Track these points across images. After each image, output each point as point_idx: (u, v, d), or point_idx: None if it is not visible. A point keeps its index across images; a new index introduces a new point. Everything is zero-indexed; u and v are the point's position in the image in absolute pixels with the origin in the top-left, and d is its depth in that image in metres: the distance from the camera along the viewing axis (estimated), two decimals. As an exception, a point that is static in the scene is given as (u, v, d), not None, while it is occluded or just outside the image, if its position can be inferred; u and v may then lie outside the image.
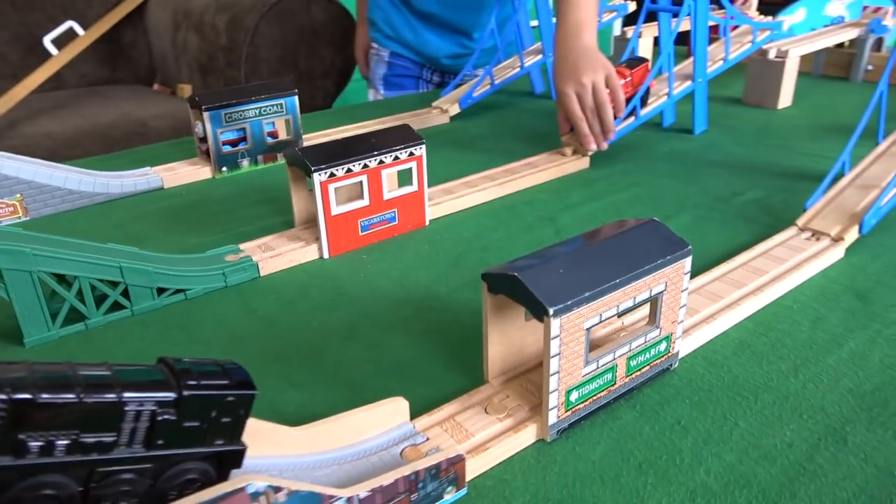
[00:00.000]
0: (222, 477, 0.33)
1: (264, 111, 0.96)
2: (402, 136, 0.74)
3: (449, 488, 0.40)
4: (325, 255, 0.71)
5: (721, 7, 1.14)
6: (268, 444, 0.39)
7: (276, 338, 0.58)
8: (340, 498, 0.35)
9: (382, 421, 0.43)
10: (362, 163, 0.71)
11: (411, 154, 0.74)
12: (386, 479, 0.37)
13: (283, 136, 1.01)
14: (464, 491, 0.41)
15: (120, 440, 0.29)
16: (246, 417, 0.33)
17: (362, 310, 0.62)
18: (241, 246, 0.71)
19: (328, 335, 0.58)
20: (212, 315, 0.61)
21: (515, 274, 0.42)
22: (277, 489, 0.33)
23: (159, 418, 0.30)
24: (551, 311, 0.40)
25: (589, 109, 0.90)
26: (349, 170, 0.70)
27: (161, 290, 0.63)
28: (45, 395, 0.26)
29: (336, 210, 0.70)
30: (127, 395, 0.28)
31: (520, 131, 1.14)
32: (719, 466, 0.42)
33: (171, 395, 0.30)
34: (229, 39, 1.65)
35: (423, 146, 0.75)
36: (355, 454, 0.42)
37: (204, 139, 0.94)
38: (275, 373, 0.53)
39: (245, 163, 0.98)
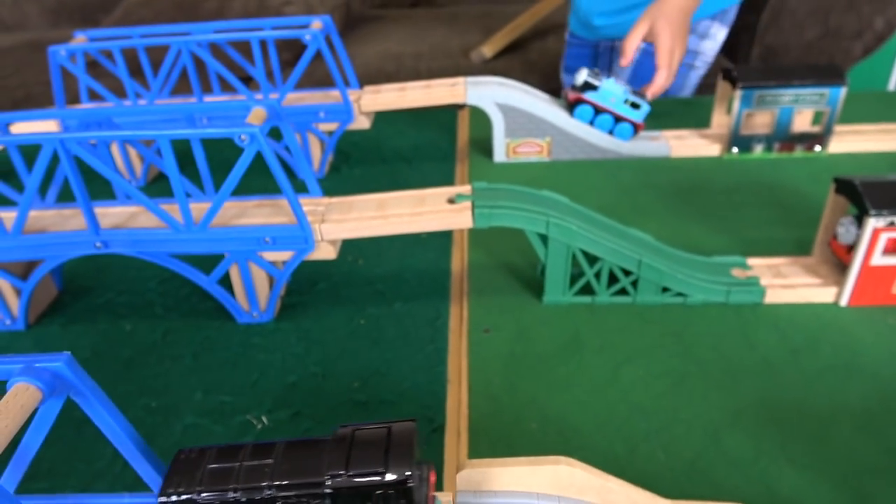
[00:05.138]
0: None
1: (801, 98, 0.86)
2: None
3: None
4: (843, 303, 0.63)
5: None
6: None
7: (775, 390, 0.54)
8: None
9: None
10: (936, 215, 0.58)
11: None
12: None
13: (805, 125, 0.90)
14: None
15: None
16: None
17: (884, 391, 0.53)
18: (750, 262, 0.67)
19: (837, 412, 0.52)
20: (708, 334, 0.60)
21: None
22: None
23: None
24: None
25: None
26: (915, 221, 0.58)
27: (664, 289, 0.63)
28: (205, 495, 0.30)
29: (878, 261, 0.60)
30: (280, 492, 0.29)
31: None
32: None
33: (318, 490, 0.29)
34: (757, -20, 1.51)
35: None
36: None
37: (577, 88, 0.89)
38: (772, 436, 0.50)
39: (759, 148, 0.90)
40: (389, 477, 0.29)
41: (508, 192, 0.63)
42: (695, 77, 1.20)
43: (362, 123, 0.89)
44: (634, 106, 0.89)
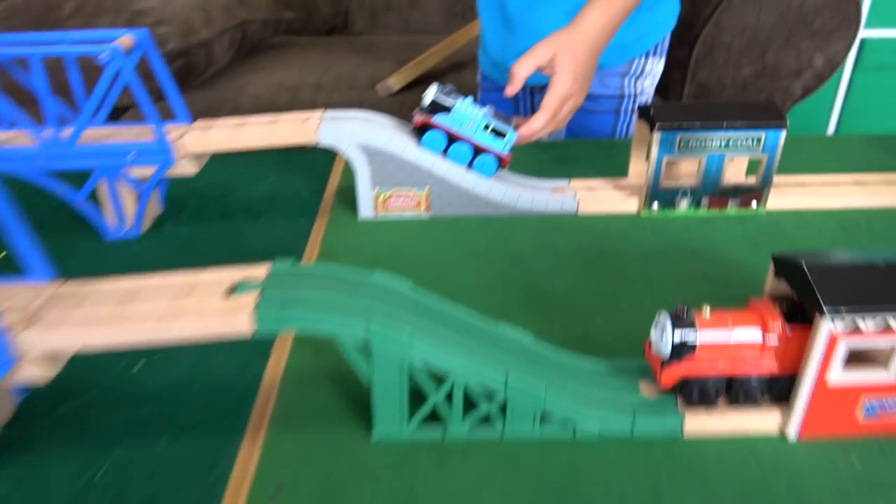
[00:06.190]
0: None
1: (734, 143, 0.70)
2: None
3: None
4: (792, 434, 0.45)
5: None
6: None
7: None
8: None
9: None
10: (914, 316, 0.41)
11: None
12: None
13: (738, 176, 0.74)
14: None
15: None
16: None
17: None
18: (666, 368, 0.48)
19: None
20: (604, 485, 0.41)
21: None
22: None
23: None
24: None
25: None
26: (888, 326, 0.41)
27: (544, 417, 0.44)
28: None
29: (837, 377, 0.43)
30: None
31: None
32: None
33: None
34: (689, 11, 1.39)
35: None
36: None
37: (424, 109, 0.70)
38: None
39: (684, 203, 0.74)
40: None
41: (319, 278, 0.44)
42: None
43: (185, 168, 0.69)
44: (498, 134, 0.71)
